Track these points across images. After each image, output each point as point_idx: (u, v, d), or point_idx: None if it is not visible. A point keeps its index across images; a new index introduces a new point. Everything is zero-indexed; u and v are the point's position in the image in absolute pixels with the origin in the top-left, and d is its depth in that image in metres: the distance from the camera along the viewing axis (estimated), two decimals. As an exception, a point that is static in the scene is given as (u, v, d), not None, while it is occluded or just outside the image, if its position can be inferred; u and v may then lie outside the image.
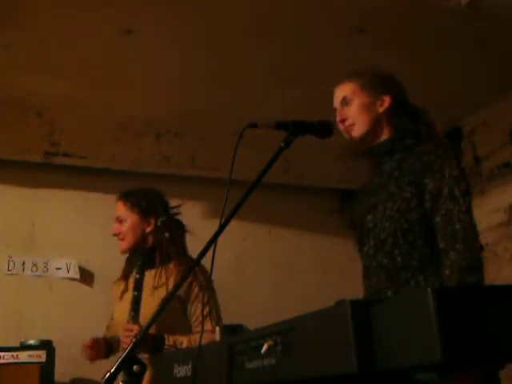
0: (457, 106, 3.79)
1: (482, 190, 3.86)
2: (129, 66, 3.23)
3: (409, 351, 0.82)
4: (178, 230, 2.44)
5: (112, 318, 2.50)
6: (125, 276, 2.43)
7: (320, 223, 4.31)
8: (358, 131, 1.81)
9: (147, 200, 2.40)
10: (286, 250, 4.15)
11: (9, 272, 3.51)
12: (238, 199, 1.44)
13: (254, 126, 1.56)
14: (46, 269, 3.58)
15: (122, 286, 2.42)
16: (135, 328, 2.11)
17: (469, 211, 1.59)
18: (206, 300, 2.29)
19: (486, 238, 3.81)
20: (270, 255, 4.08)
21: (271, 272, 3.99)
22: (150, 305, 2.17)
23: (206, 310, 2.27)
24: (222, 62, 3.22)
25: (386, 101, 1.81)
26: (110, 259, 3.69)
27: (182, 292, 2.25)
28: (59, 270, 3.60)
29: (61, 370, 3.03)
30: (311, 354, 0.95)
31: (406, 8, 2.79)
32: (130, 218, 2.37)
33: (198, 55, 3.14)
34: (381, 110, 1.81)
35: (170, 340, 2.16)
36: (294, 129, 1.58)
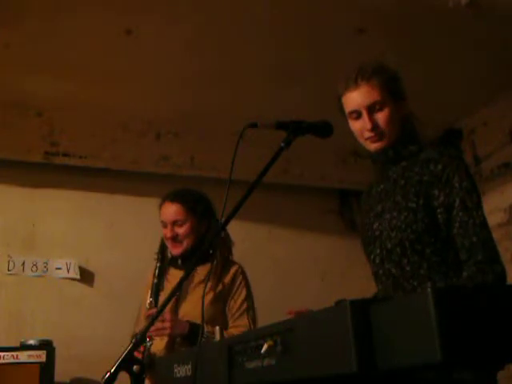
0: (457, 106, 3.80)
1: (482, 190, 3.85)
2: (129, 66, 3.23)
3: (409, 351, 0.82)
4: None
5: None
6: None
7: (320, 223, 4.31)
8: (386, 142, 1.69)
9: None
10: (286, 250, 4.15)
11: (9, 272, 3.51)
12: (238, 199, 1.44)
13: (254, 125, 1.56)
14: (45, 269, 3.57)
15: None
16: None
17: (484, 222, 1.56)
18: (244, 297, 2.36)
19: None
20: (270, 255, 4.07)
21: (271, 272, 3.99)
22: None
23: (244, 306, 2.34)
24: (221, 62, 3.22)
25: (404, 108, 1.73)
26: (110, 259, 3.72)
27: (222, 289, 2.31)
28: (59, 270, 3.60)
29: (61, 370, 3.03)
30: (311, 353, 0.95)
31: (406, 8, 2.79)
32: None
33: (197, 55, 3.15)
34: (400, 116, 1.71)
35: (209, 328, 2.12)
36: (294, 129, 1.58)
